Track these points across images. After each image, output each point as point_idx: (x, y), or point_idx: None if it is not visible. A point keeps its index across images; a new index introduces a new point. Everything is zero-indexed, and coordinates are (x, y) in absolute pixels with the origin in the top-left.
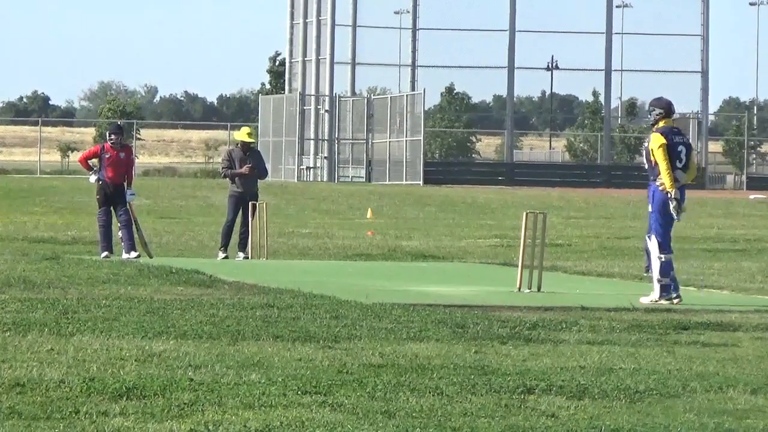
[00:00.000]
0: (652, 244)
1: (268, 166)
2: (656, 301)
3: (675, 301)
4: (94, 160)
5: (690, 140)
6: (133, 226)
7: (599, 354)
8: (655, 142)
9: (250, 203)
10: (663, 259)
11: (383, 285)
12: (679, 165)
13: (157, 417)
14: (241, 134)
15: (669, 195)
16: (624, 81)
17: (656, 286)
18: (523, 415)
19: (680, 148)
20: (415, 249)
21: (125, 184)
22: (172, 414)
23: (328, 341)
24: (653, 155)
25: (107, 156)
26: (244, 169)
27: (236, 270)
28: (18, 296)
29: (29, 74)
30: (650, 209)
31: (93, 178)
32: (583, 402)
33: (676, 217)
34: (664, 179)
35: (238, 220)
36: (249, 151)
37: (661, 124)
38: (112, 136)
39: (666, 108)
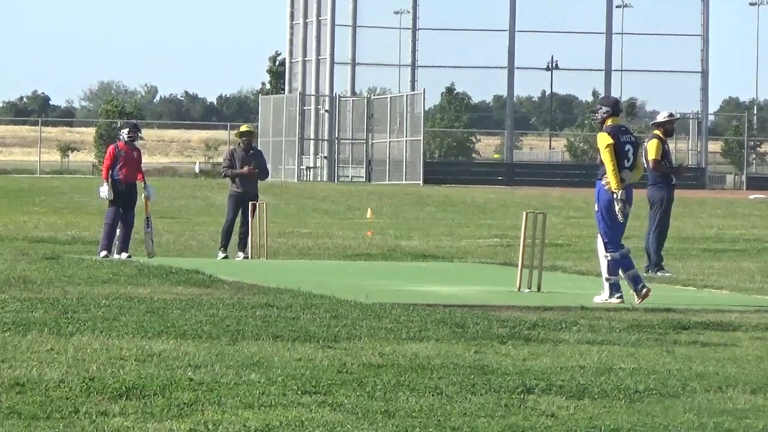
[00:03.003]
0: (599, 244)
1: (268, 166)
2: (607, 300)
3: (617, 300)
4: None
5: (637, 139)
6: (145, 224)
7: (599, 354)
8: (602, 141)
9: (250, 203)
10: (609, 258)
11: (383, 285)
12: (626, 164)
13: (157, 417)
14: (241, 128)
15: (615, 196)
16: (624, 81)
17: (605, 286)
18: (522, 414)
19: (627, 147)
20: (415, 249)
21: (138, 182)
22: (171, 414)
23: (328, 341)
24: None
25: (123, 154)
26: (244, 170)
27: (236, 270)
28: (18, 296)
29: (29, 74)
30: (596, 208)
31: (105, 191)
32: (583, 402)
33: (620, 218)
34: (610, 179)
35: (238, 219)
36: (251, 150)
37: (609, 122)
38: (131, 134)
39: (612, 106)
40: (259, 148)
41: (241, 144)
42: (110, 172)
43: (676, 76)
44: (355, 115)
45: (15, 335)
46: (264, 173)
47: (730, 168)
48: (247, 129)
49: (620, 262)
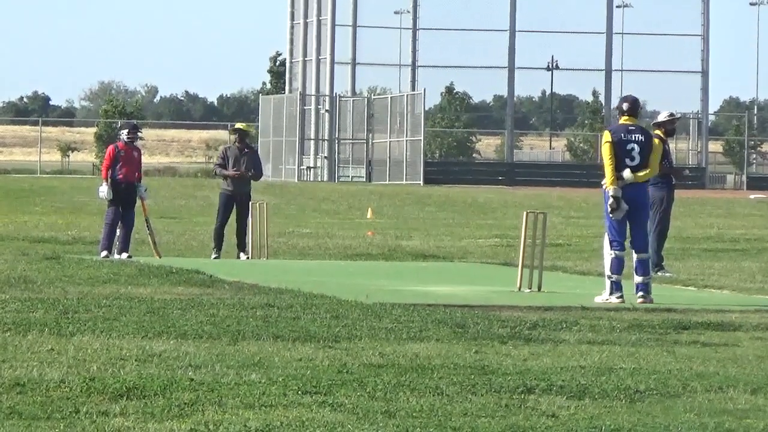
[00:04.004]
0: (606, 241)
1: (269, 166)
2: (608, 299)
3: (617, 299)
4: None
5: (647, 140)
6: (145, 226)
7: (599, 354)
8: (602, 139)
9: (249, 203)
10: (613, 256)
11: (383, 285)
12: (630, 163)
13: (158, 417)
14: (236, 125)
15: (607, 192)
16: (624, 81)
17: (607, 284)
18: (523, 414)
19: (631, 146)
20: (415, 249)
21: (135, 182)
22: (172, 414)
23: (329, 341)
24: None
25: (122, 154)
26: (230, 172)
27: (236, 270)
28: (18, 296)
29: (29, 74)
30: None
31: (104, 191)
32: (583, 402)
33: (610, 215)
34: (606, 176)
35: (233, 219)
36: (246, 149)
37: (621, 121)
38: (130, 134)
39: (620, 107)
40: (255, 148)
41: (235, 142)
42: (110, 172)
43: (676, 76)
44: (356, 115)
45: (15, 335)
46: (257, 174)
47: (731, 168)
48: (240, 127)
49: (619, 261)
